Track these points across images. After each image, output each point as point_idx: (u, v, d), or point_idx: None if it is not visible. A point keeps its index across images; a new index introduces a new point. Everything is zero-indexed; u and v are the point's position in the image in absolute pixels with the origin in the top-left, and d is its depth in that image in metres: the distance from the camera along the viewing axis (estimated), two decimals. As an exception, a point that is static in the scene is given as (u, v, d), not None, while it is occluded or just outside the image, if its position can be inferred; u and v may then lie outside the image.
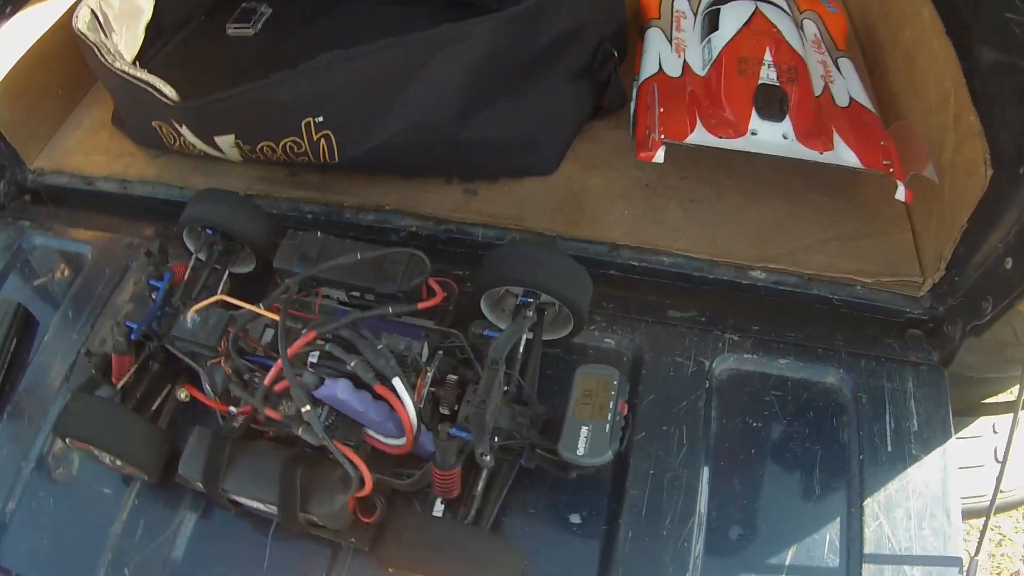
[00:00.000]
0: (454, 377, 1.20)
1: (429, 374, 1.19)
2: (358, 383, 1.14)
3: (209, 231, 1.44)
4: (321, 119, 1.45)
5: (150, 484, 1.32)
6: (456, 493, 1.20)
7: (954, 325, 1.35)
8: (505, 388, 1.20)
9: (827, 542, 1.21)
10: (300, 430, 1.15)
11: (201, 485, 1.21)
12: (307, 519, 1.19)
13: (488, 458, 1.10)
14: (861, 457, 1.27)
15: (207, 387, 1.29)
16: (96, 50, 1.58)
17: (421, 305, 1.27)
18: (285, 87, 1.43)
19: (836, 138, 1.42)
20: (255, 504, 1.22)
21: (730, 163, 1.55)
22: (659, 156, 1.39)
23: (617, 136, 1.66)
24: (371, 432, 1.20)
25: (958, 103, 1.33)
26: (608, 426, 1.12)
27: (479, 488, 1.19)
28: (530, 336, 1.30)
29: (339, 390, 1.13)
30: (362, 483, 1.14)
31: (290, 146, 1.51)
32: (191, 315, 1.27)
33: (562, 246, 1.50)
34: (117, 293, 1.57)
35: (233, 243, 1.45)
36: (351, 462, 1.12)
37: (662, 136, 1.40)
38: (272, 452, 1.23)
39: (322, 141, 1.49)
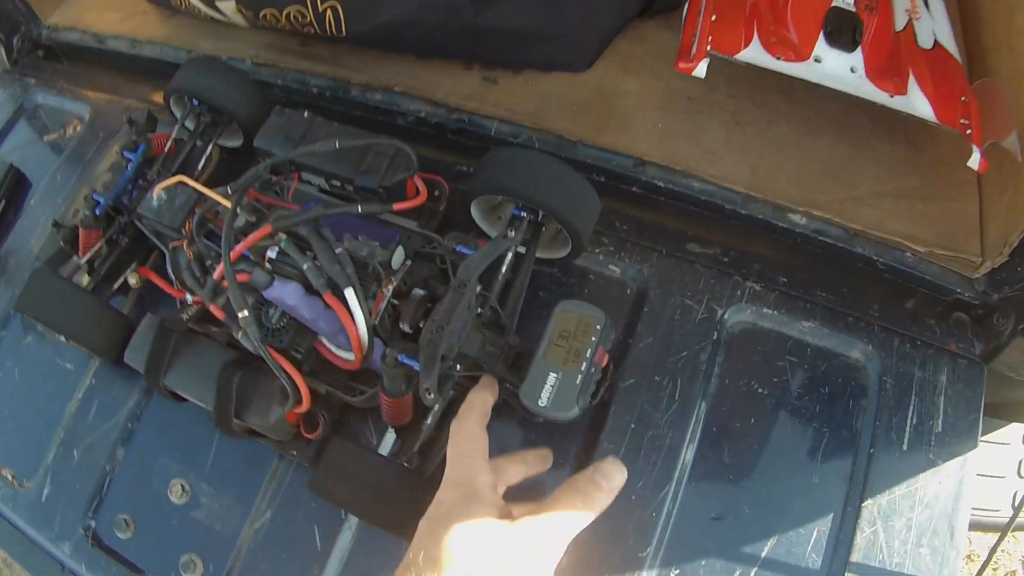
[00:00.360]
0: (421, 292, 1.05)
1: (390, 286, 1.05)
2: (311, 288, 1.02)
3: (195, 101, 1.34)
4: None
5: (107, 365, 1.28)
6: (406, 420, 1.07)
7: (1006, 318, 1.16)
8: (480, 310, 1.05)
9: (813, 539, 1.06)
10: (239, 335, 1.04)
11: (143, 374, 1.14)
12: (244, 426, 1.10)
13: (432, 395, 0.95)
14: (871, 451, 1.10)
15: (169, 269, 1.20)
16: None
17: (397, 206, 1.12)
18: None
19: (912, 82, 1.20)
20: (197, 402, 1.14)
21: (789, 88, 1.34)
22: (700, 69, 1.18)
23: (665, 39, 1.44)
24: (324, 341, 1.08)
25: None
26: (580, 377, 0.96)
27: (427, 422, 1.05)
28: (522, 251, 1.13)
29: (287, 294, 1.01)
30: (299, 399, 1.04)
31: (295, 15, 1.38)
32: (157, 192, 1.16)
33: (581, 153, 1.31)
34: (99, 161, 1.49)
35: (220, 116, 1.34)
36: (288, 376, 1.01)
37: (709, 47, 1.18)
38: (215, 351, 1.14)
39: (328, 12, 1.35)
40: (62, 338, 1.23)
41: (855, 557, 1.05)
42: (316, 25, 1.38)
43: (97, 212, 1.25)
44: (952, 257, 1.22)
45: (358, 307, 0.99)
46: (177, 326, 1.14)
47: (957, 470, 1.08)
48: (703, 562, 1.06)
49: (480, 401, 0.96)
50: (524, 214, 1.10)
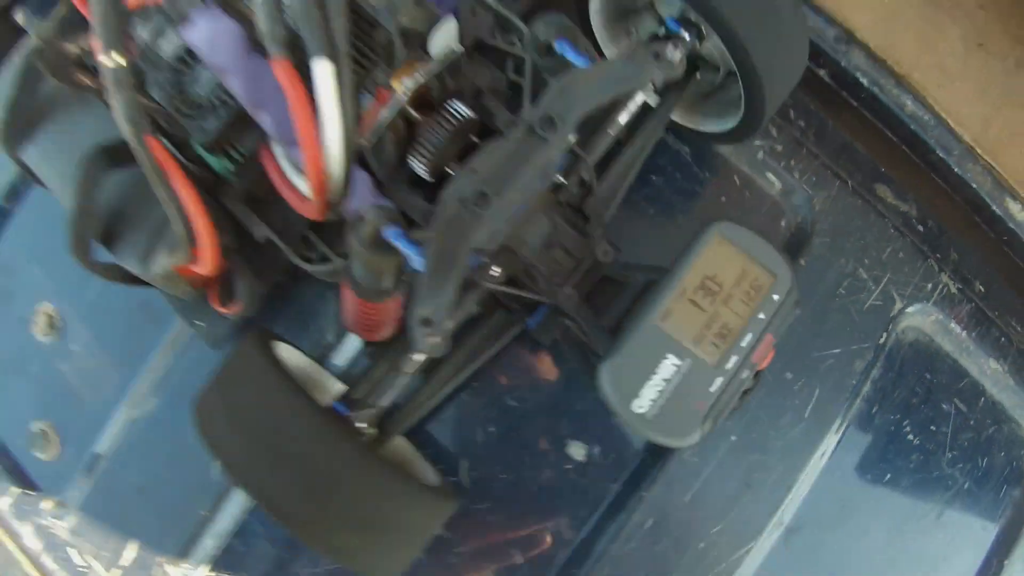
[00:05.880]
0: (467, 112, 0.56)
1: (410, 80, 0.54)
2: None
3: None
4: None
5: None
6: (381, 337, 0.59)
7: None
8: (561, 181, 0.58)
9: None
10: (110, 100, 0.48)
11: None
12: (113, 265, 0.59)
13: (434, 336, 0.47)
14: (1006, 561, 0.75)
15: None
16: None
17: None
18: None
19: None
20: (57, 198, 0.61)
21: None
22: None
23: None
24: (277, 153, 0.55)
25: None
26: (721, 380, 0.50)
27: (410, 356, 0.56)
28: (650, 104, 0.64)
29: (216, 39, 0.49)
30: (189, 247, 0.53)
31: None
32: None
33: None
34: None
35: None
36: (175, 199, 0.50)
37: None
38: (101, 124, 0.58)
39: None
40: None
41: None
42: None
43: None
44: None
45: (334, 99, 0.46)
46: (58, 72, 0.57)
47: None
48: None
49: None
50: (684, 32, 0.60)
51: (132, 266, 0.56)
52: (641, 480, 0.65)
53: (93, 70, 0.55)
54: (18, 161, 0.60)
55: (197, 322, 0.67)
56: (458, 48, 0.56)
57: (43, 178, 0.60)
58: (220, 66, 0.50)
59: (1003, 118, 0.84)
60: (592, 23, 0.68)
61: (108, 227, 0.56)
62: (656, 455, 0.66)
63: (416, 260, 0.46)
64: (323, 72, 0.45)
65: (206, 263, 0.53)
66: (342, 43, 0.46)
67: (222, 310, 0.61)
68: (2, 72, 0.59)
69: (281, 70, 0.45)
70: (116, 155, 0.55)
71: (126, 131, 0.46)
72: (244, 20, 0.49)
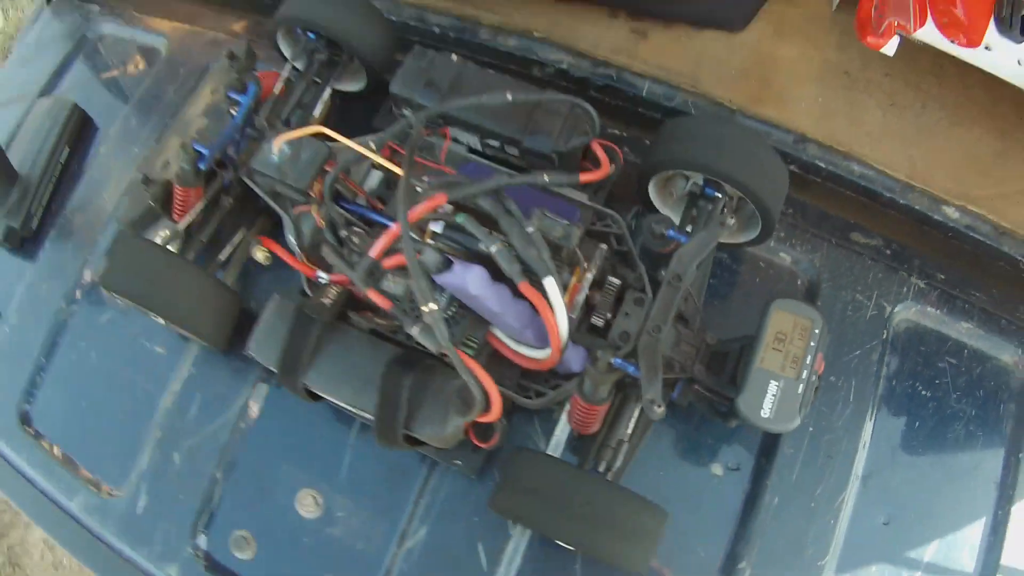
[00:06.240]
0: (616, 281, 0.91)
1: (589, 275, 0.90)
2: (496, 274, 0.84)
3: (311, 34, 1.10)
4: None
5: (212, 351, 1.06)
6: (595, 430, 0.93)
7: None
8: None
9: (966, 543, 1.02)
10: (417, 330, 0.85)
11: (276, 372, 0.93)
12: (407, 435, 0.91)
13: (660, 409, 0.81)
14: (1021, 455, 1.05)
15: (290, 239, 0.99)
16: None
17: (584, 176, 0.94)
18: None
19: None
20: (342, 404, 0.94)
21: (942, 71, 1.23)
22: (890, 47, 1.06)
23: (818, 3, 1.29)
24: (498, 334, 0.91)
25: None
26: (802, 386, 0.84)
27: (625, 432, 0.92)
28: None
29: (471, 282, 0.82)
30: (487, 408, 0.86)
31: None
32: (279, 145, 0.93)
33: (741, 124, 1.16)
34: (190, 103, 1.21)
35: (340, 53, 1.12)
36: (479, 383, 0.83)
37: (896, 24, 1.05)
38: (371, 348, 0.93)
39: None
40: (154, 316, 1.00)
41: (1005, 560, 1.01)
42: None
43: (201, 166, 1.00)
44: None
45: (560, 300, 0.82)
46: (320, 314, 0.92)
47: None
48: (874, 568, 0.99)
49: None
50: (716, 193, 0.96)
51: (429, 432, 0.87)
52: (765, 478, 1.00)
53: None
54: (299, 387, 0.93)
55: (456, 461, 0.98)
56: (603, 246, 0.93)
57: (332, 396, 0.92)
58: (473, 296, 0.83)
59: (922, 152, 1.19)
60: (650, 194, 1.05)
61: (408, 411, 0.89)
62: (769, 456, 1.01)
63: (632, 370, 0.83)
64: (551, 284, 0.81)
65: (495, 413, 0.86)
66: (551, 265, 0.82)
67: (483, 445, 0.93)
68: (269, 319, 0.94)
69: (526, 288, 0.81)
70: (402, 364, 0.90)
71: (438, 344, 0.81)
72: (485, 261, 0.84)
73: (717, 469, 1.00)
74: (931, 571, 1.00)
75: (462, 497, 0.98)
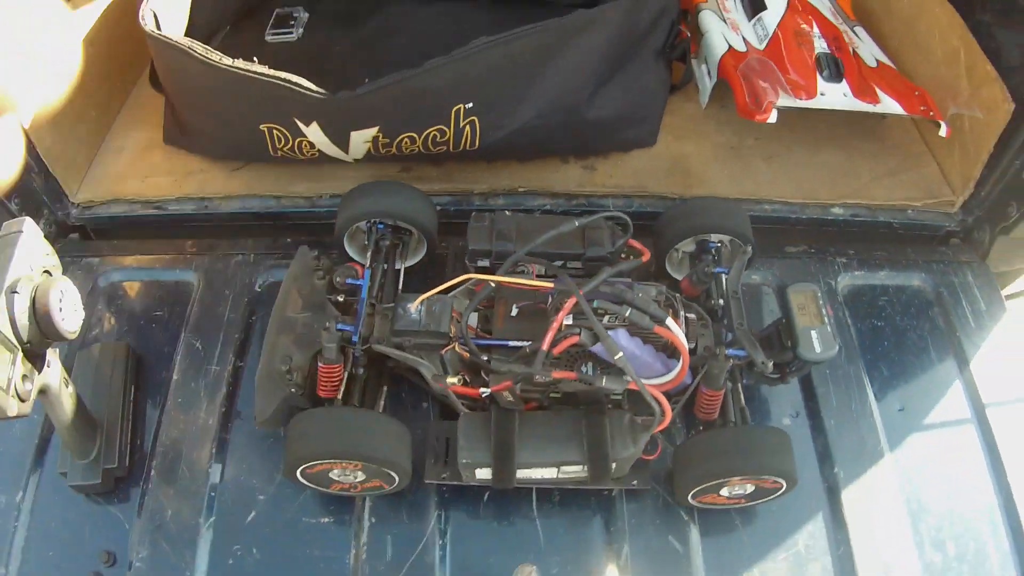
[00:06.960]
0: (691, 315, 1.29)
1: (683, 313, 1.26)
2: (632, 331, 1.19)
3: (380, 225, 1.34)
4: (471, 105, 1.42)
5: (389, 492, 1.20)
6: (715, 416, 1.28)
7: (982, 231, 1.63)
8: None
9: (951, 401, 1.43)
10: (604, 380, 1.16)
11: (490, 467, 1.15)
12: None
13: (770, 364, 1.22)
14: (958, 334, 1.51)
15: (431, 380, 1.20)
16: (192, 51, 1.37)
17: (644, 259, 1.33)
18: (439, 73, 1.37)
19: (880, 93, 1.63)
20: (541, 474, 1.18)
21: (789, 124, 1.69)
22: (773, 116, 1.54)
23: (690, 109, 1.80)
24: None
25: (969, 56, 1.56)
26: (830, 327, 1.24)
27: (732, 398, 1.29)
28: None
29: (622, 336, 1.17)
30: (663, 417, 1.15)
31: (433, 135, 1.45)
32: (416, 306, 1.19)
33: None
34: (279, 307, 1.26)
35: (401, 235, 1.37)
36: (654, 397, 1.13)
37: (771, 100, 1.56)
38: (556, 415, 1.22)
39: (467, 128, 1.45)
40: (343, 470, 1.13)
41: (986, 398, 1.42)
42: (452, 142, 1.46)
43: (354, 341, 1.17)
44: (937, 203, 1.67)
45: (680, 331, 1.18)
46: (518, 406, 1.17)
47: (1001, 326, 1.52)
48: (909, 438, 1.39)
49: None
50: (718, 243, 1.41)
51: (625, 452, 1.14)
52: (818, 413, 1.39)
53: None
54: (508, 472, 1.12)
55: (633, 482, 1.21)
56: (677, 295, 1.29)
57: (540, 463, 1.14)
58: (624, 346, 1.16)
59: (802, 177, 1.68)
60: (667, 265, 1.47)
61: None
62: (812, 398, 1.41)
63: (742, 353, 1.22)
64: (671, 323, 1.18)
65: (667, 419, 1.16)
66: (663, 312, 1.18)
67: (649, 458, 1.23)
68: (468, 432, 1.16)
69: (660, 329, 1.17)
70: (591, 415, 1.20)
71: (635, 379, 1.14)
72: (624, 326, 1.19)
73: (786, 420, 1.39)
74: (930, 429, 1.40)
75: (640, 512, 1.25)
